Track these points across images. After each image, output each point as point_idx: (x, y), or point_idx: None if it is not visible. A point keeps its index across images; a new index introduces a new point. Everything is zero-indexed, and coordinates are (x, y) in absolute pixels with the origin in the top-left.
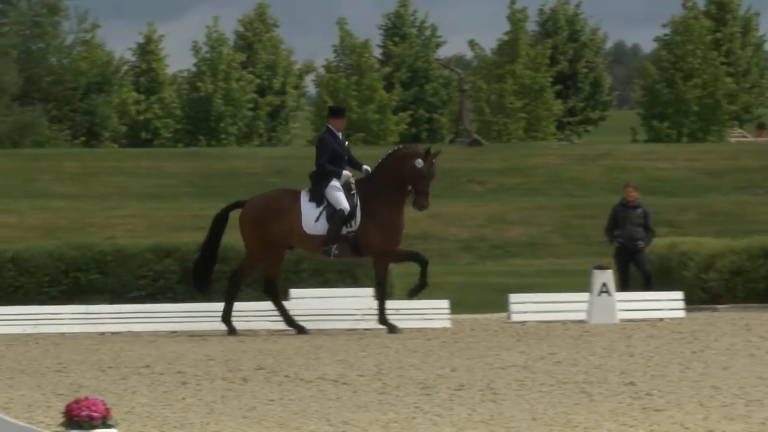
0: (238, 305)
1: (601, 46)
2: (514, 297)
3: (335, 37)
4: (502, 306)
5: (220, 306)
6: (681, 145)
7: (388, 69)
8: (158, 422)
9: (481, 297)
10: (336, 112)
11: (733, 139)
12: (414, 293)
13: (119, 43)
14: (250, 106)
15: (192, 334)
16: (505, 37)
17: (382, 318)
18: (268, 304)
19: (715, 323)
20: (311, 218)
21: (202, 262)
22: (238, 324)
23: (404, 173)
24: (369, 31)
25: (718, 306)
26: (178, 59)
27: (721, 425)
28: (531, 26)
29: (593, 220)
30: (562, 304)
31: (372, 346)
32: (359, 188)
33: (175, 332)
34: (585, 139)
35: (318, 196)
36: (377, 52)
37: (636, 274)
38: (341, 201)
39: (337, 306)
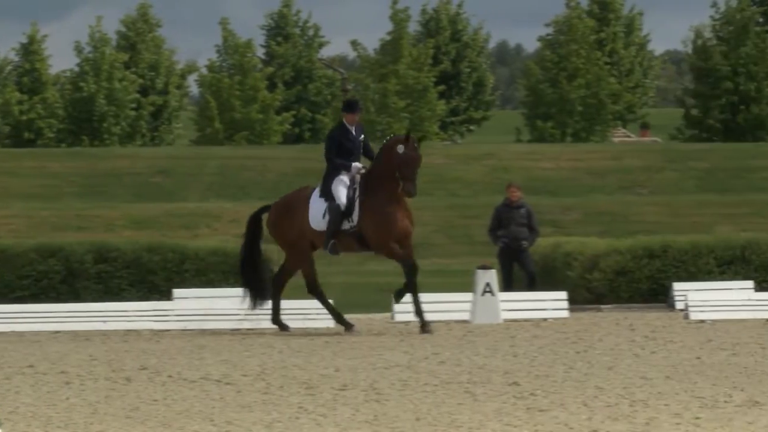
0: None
1: (484, 46)
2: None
3: (218, 38)
4: (386, 306)
5: (99, 306)
6: (565, 145)
7: (271, 69)
8: (42, 422)
9: (365, 297)
10: (349, 105)
11: (616, 139)
12: (399, 296)
13: (2, 43)
14: (133, 106)
15: (75, 334)
16: (388, 37)
17: (417, 310)
18: (151, 305)
19: (599, 323)
20: (319, 214)
21: (246, 267)
22: (125, 324)
23: (390, 162)
24: (252, 31)
25: (602, 306)
26: (61, 59)
27: (606, 425)
28: (414, 26)
29: (477, 220)
30: (446, 304)
31: (256, 346)
32: (362, 182)
33: (58, 332)
34: (468, 139)
35: (326, 192)
36: (260, 52)
37: (520, 274)
38: (340, 195)
39: (220, 306)
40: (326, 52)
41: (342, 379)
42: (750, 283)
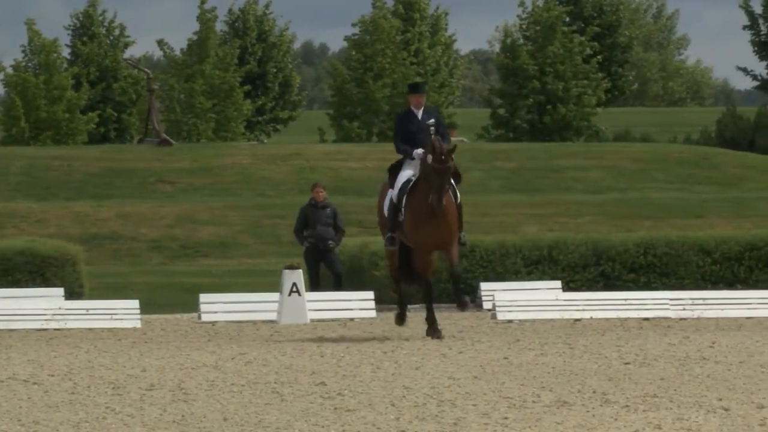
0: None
1: (290, 46)
2: (204, 297)
3: (24, 38)
4: (193, 306)
5: None
6: (371, 145)
7: (76, 68)
8: None
9: (171, 297)
10: (412, 87)
11: None
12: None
13: None
14: None
15: None
16: (195, 37)
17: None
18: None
19: (407, 323)
20: (387, 205)
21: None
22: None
23: (424, 169)
24: (58, 31)
25: (410, 306)
26: None
27: (413, 425)
28: (220, 26)
29: (283, 220)
30: (253, 304)
31: (62, 347)
32: (419, 173)
33: None
34: (275, 138)
35: (393, 181)
36: (66, 52)
37: (326, 273)
38: (396, 185)
39: (26, 306)
40: (133, 52)
41: (149, 379)
42: (557, 283)
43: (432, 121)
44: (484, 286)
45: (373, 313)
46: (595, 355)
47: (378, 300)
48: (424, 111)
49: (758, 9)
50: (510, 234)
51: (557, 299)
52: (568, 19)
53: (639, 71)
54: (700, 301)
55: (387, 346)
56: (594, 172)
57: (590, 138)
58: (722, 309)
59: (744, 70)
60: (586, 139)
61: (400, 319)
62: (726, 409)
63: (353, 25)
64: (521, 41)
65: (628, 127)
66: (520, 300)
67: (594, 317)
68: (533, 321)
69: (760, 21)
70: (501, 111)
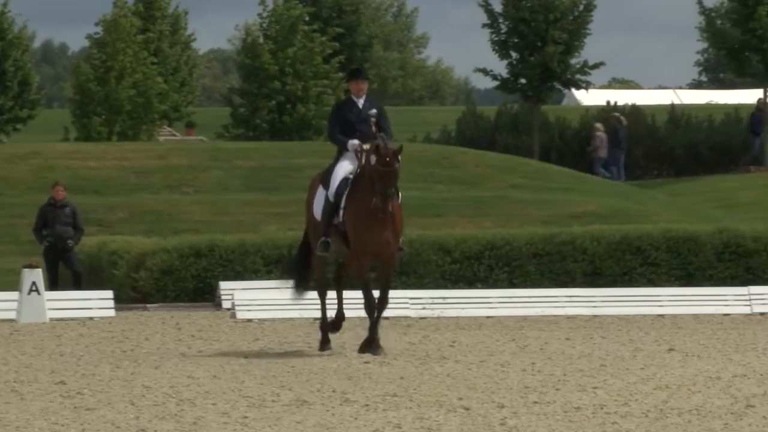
0: None
1: (29, 45)
2: None
3: None
4: None
5: None
6: (111, 144)
7: None
8: None
9: None
10: (352, 73)
11: (162, 138)
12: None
13: None
14: None
15: None
16: None
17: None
18: None
19: (146, 322)
20: (320, 204)
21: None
22: None
23: (367, 170)
24: None
25: (149, 305)
26: None
27: (153, 424)
28: None
29: (22, 220)
30: None
31: None
32: (360, 168)
33: None
34: (14, 138)
35: (327, 177)
36: None
37: (66, 272)
38: (334, 181)
39: None
40: None
41: None
42: None
43: (374, 111)
44: (224, 285)
45: (112, 312)
46: (335, 353)
47: (117, 299)
48: (366, 99)
49: (498, 7)
50: (250, 233)
51: (296, 298)
52: (308, 19)
53: (378, 70)
54: (440, 300)
55: (127, 345)
56: None
57: None
58: (462, 308)
59: (483, 70)
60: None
61: (334, 327)
62: (466, 408)
63: (96, 24)
64: (262, 41)
65: None
66: (259, 299)
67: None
68: (273, 320)
69: (500, 19)
70: (242, 110)
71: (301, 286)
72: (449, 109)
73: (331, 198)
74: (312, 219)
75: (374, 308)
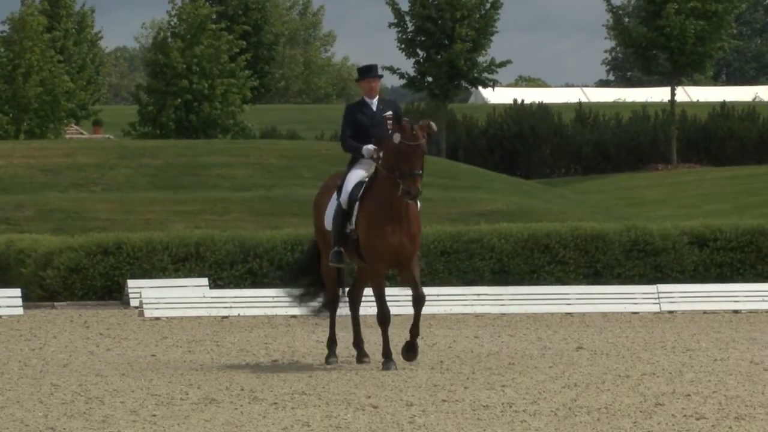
0: None
1: None
2: None
3: None
4: None
5: None
6: (18, 142)
7: None
8: None
9: None
10: (363, 71)
11: (69, 136)
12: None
13: None
14: None
15: None
16: None
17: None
18: None
19: (54, 320)
20: (331, 213)
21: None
22: None
23: (388, 156)
24: None
25: (57, 303)
26: None
27: (62, 422)
28: None
29: None
30: None
31: None
32: (373, 173)
33: None
34: None
35: (341, 184)
36: None
37: None
38: (347, 189)
39: None
40: None
41: None
42: (204, 280)
43: (390, 113)
44: (131, 284)
45: (20, 311)
46: (243, 352)
47: (25, 297)
48: (379, 100)
49: (405, 6)
50: (157, 231)
51: (204, 296)
52: (215, 17)
53: (284, 68)
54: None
55: (35, 343)
56: (240, 169)
57: (236, 135)
58: (371, 306)
59: (390, 68)
60: (232, 136)
61: (358, 358)
62: (375, 407)
63: (2, 22)
64: (170, 39)
65: (275, 125)
66: (167, 297)
67: (242, 314)
68: (181, 318)
69: (407, 18)
70: (149, 108)
71: (308, 296)
72: None
73: (344, 205)
74: (320, 228)
75: (387, 322)
